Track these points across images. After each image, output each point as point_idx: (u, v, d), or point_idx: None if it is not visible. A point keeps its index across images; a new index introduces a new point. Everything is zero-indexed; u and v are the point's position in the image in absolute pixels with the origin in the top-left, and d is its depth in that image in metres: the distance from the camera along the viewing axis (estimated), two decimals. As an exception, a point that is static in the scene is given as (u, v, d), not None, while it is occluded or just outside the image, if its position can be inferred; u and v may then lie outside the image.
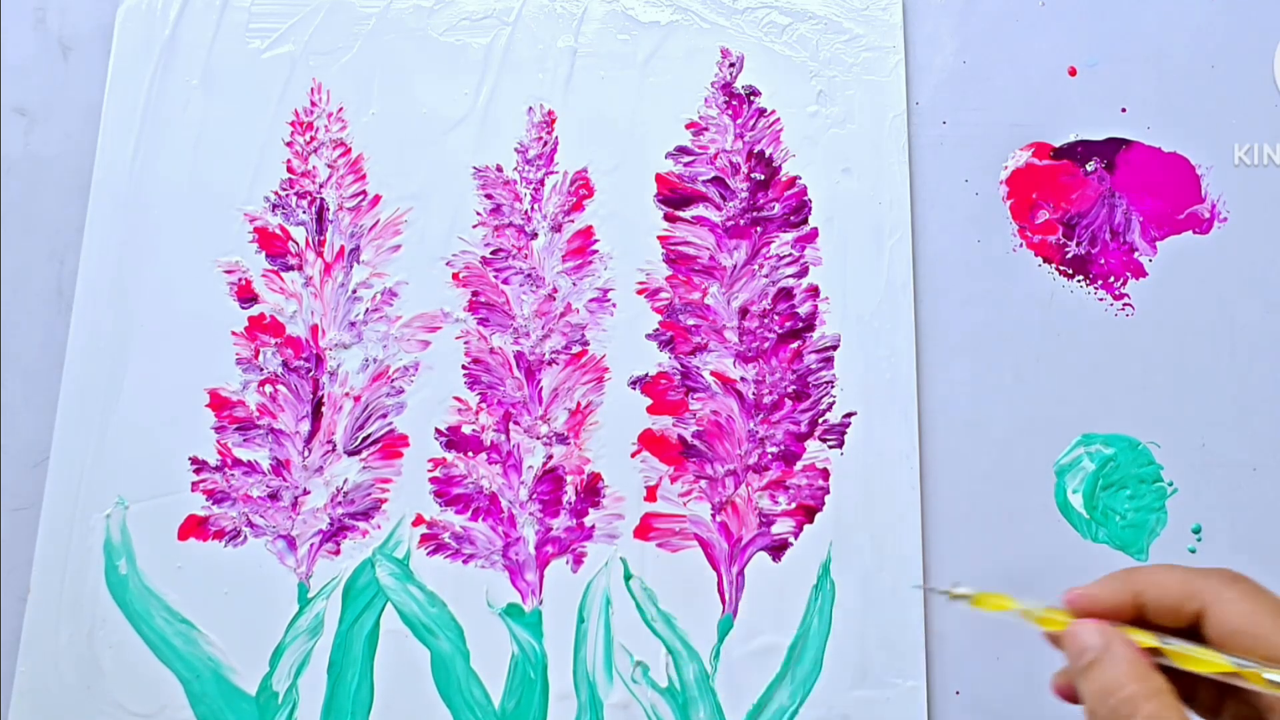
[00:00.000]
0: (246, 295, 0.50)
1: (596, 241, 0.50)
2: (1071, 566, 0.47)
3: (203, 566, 0.47)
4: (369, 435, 0.48)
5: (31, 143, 0.52)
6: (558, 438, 0.48)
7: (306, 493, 0.48)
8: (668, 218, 0.51)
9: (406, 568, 0.47)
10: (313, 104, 0.52)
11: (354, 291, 0.50)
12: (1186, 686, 0.32)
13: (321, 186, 0.51)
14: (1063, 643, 0.33)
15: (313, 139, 0.52)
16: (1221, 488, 0.48)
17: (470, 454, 0.48)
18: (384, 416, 0.49)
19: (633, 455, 0.48)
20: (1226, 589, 0.32)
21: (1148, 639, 0.32)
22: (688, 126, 0.52)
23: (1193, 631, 0.32)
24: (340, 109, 0.52)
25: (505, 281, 0.50)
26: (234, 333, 0.49)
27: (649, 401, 0.49)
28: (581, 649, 0.46)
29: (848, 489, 0.48)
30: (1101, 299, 0.50)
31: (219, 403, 0.49)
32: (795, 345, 0.49)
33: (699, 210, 0.51)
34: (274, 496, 0.48)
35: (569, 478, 0.48)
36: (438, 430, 0.48)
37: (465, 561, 0.47)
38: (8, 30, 0.54)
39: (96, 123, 0.52)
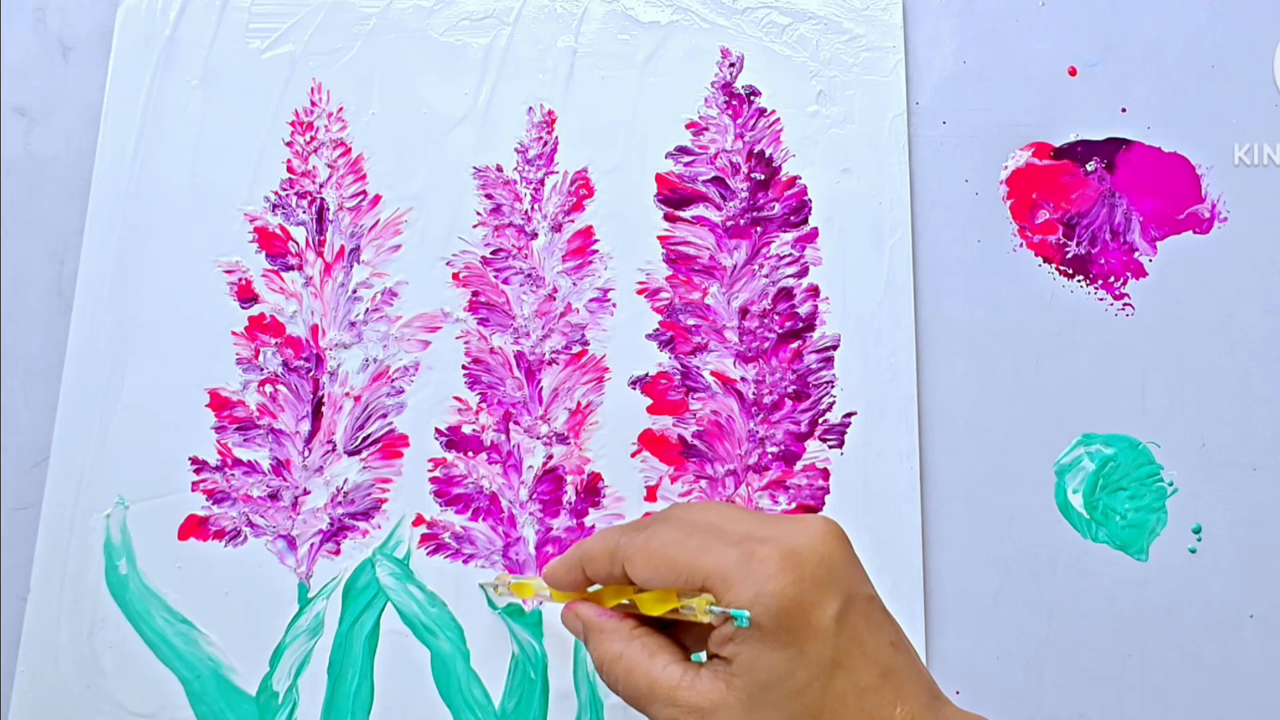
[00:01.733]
0: (246, 295, 0.50)
1: (596, 241, 0.50)
2: (1071, 566, 0.47)
3: (203, 566, 0.47)
4: (369, 435, 0.48)
5: (31, 143, 0.52)
6: (558, 438, 0.48)
7: (306, 493, 0.48)
8: (668, 218, 0.51)
9: (406, 568, 0.47)
10: (313, 104, 0.52)
11: (354, 291, 0.50)
12: (692, 638, 0.37)
13: (321, 186, 0.51)
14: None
15: (313, 139, 0.52)
16: (1221, 488, 0.48)
17: (470, 454, 0.48)
18: (384, 416, 0.49)
19: (633, 455, 0.48)
20: (634, 540, 0.36)
21: (619, 597, 0.37)
22: (688, 126, 0.52)
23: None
24: (340, 109, 0.52)
25: (505, 281, 0.50)
26: (234, 333, 0.49)
27: (649, 401, 0.49)
28: (581, 649, 0.46)
29: (848, 489, 0.48)
30: (1101, 299, 0.50)
31: (219, 403, 0.49)
32: (795, 345, 0.49)
33: (699, 210, 0.51)
34: (274, 496, 0.48)
35: (569, 478, 0.48)
36: (438, 430, 0.48)
37: (465, 561, 0.47)
38: (8, 30, 0.54)
39: (96, 123, 0.52)
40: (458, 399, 0.49)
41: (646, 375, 0.49)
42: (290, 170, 0.51)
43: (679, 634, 0.37)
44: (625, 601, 0.37)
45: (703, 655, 0.35)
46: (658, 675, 0.34)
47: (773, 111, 0.52)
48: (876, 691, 0.33)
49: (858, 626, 0.33)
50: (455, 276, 0.50)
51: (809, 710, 0.32)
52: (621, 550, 0.36)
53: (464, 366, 0.49)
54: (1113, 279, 0.50)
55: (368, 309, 0.50)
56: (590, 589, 0.39)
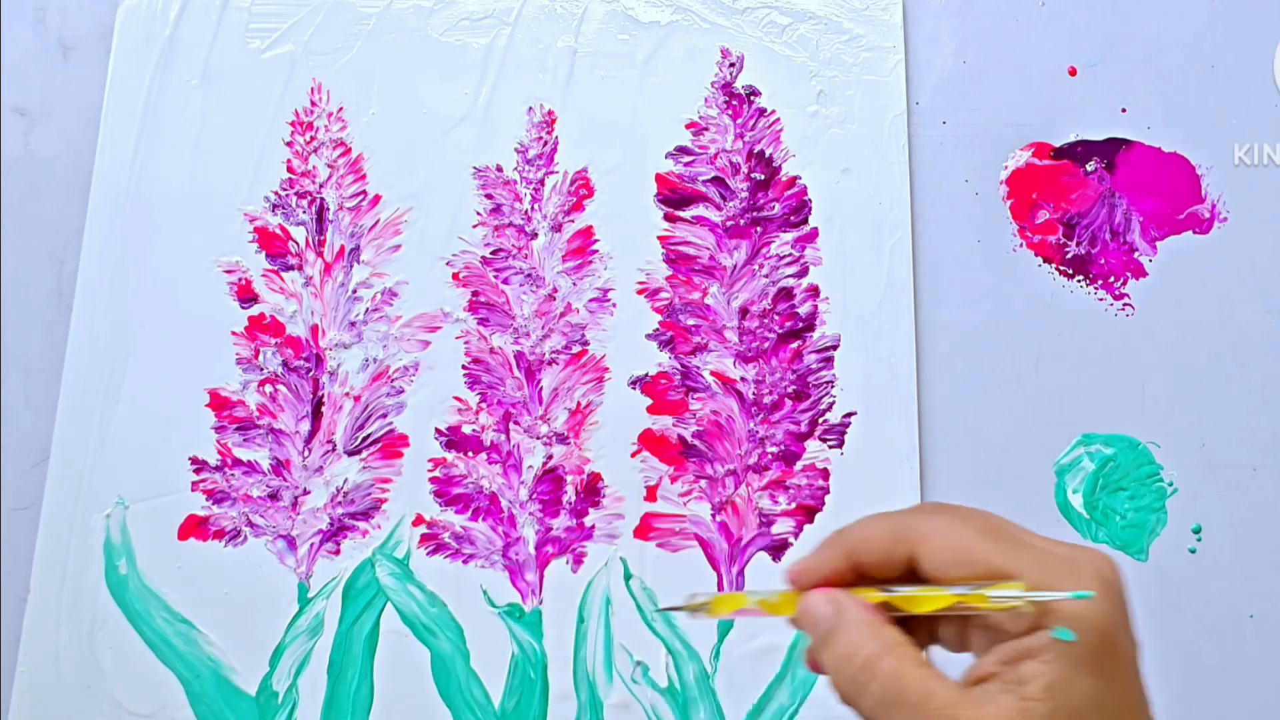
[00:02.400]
0: (246, 295, 0.50)
1: (596, 241, 0.50)
2: (1071, 566, 0.47)
3: (203, 566, 0.47)
4: (369, 435, 0.48)
5: (31, 143, 0.52)
6: (558, 438, 0.48)
7: (306, 493, 0.48)
8: (668, 218, 0.51)
9: (406, 568, 0.47)
10: (313, 104, 0.52)
11: (354, 291, 0.50)
12: (928, 629, 0.32)
13: (321, 186, 0.51)
14: (800, 623, 0.32)
15: (313, 139, 0.52)
16: (1221, 488, 0.48)
17: (470, 454, 0.48)
18: (384, 416, 0.49)
19: (633, 455, 0.48)
20: (927, 523, 0.31)
21: (875, 594, 0.31)
22: (688, 126, 0.52)
23: (913, 575, 0.31)
24: (340, 109, 0.52)
25: (505, 281, 0.50)
26: (234, 333, 0.49)
27: (649, 401, 0.49)
28: (581, 649, 0.46)
29: (848, 489, 0.48)
30: (1101, 299, 0.50)
31: (219, 403, 0.49)
32: (795, 345, 0.49)
33: (699, 210, 0.51)
34: (274, 496, 0.48)
35: (569, 478, 0.48)
36: (438, 430, 0.48)
37: (465, 561, 0.47)
38: (8, 30, 0.54)
39: (96, 123, 0.52)
40: (458, 399, 0.49)
41: (646, 375, 0.49)
42: (290, 170, 0.51)
43: (925, 636, 0.32)
44: (886, 600, 0.31)
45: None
46: (934, 686, 0.29)
47: (773, 111, 0.52)
48: None
49: (1142, 675, 0.30)
50: (455, 276, 0.50)
51: None
52: (914, 531, 0.31)
53: (464, 366, 0.49)
54: (1113, 279, 0.50)
55: (368, 309, 0.50)
56: (846, 589, 0.32)
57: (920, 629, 0.31)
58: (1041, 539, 0.31)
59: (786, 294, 0.50)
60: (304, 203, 0.51)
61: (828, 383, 0.49)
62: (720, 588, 0.47)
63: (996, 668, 0.29)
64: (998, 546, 0.30)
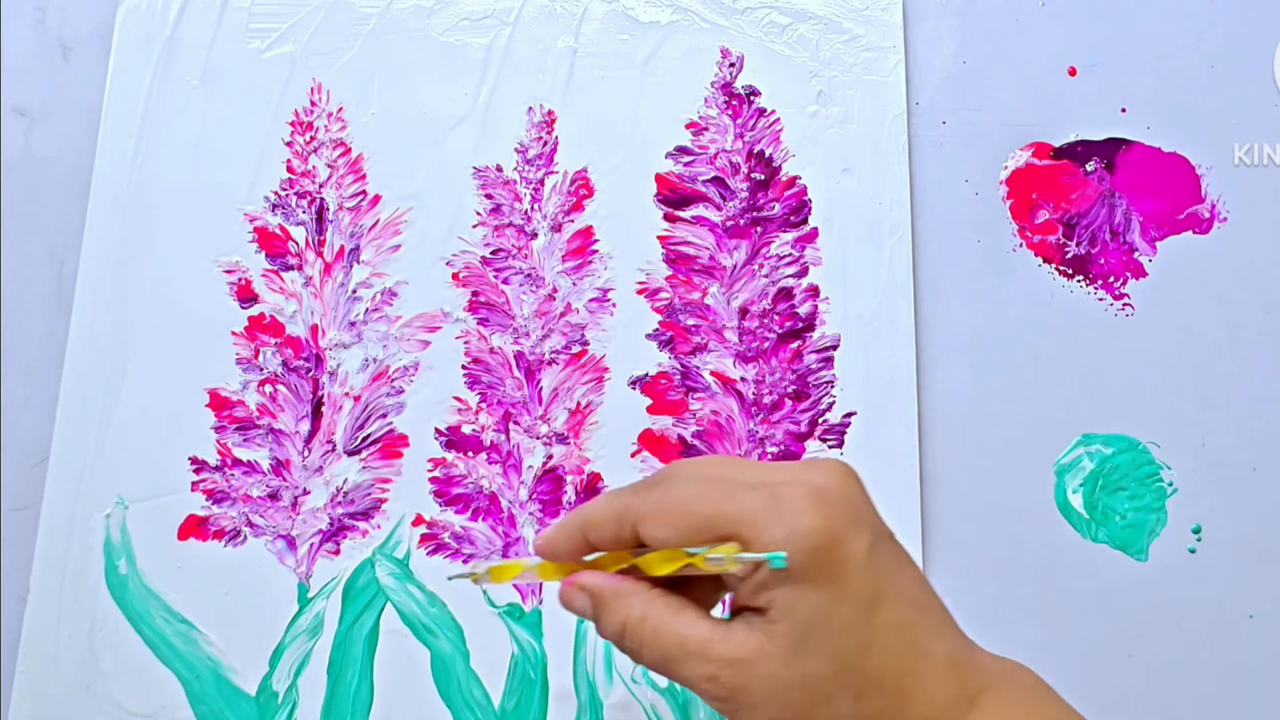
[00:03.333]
0: (246, 295, 0.50)
1: (596, 241, 0.50)
2: (1071, 566, 0.47)
3: (203, 566, 0.47)
4: (369, 435, 0.48)
5: (31, 143, 0.52)
6: (558, 438, 0.48)
7: (306, 493, 0.48)
8: (668, 218, 0.51)
9: (406, 568, 0.47)
10: (313, 104, 0.52)
11: (354, 291, 0.50)
12: (715, 579, 0.34)
13: (321, 186, 0.51)
14: (570, 610, 0.35)
15: (313, 139, 0.52)
16: (1221, 488, 0.48)
17: (470, 454, 0.48)
18: (384, 416, 0.49)
19: (633, 455, 0.48)
20: (645, 500, 0.34)
21: (619, 563, 0.35)
22: (688, 126, 0.52)
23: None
24: (340, 109, 0.52)
25: (505, 281, 0.50)
26: (234, 333, 0.49)
27: (649, 401, 0.49)
28: (581, 649, 0.46)
29: (848, 489, 0.48)
30: (1101, 299, 0.50)
31: (219, 403, 0.49)
32: (795, 345, 0.49)
33: (699, 210, 0.51)
34: (274, 496, 0.48)
35: (569, 478, 0.48)
36: (438, 430, 0.48)
37: (465, 561, 0.47)
38: (8, 30, 0.54)
39: (96, 123, 0.52)
40: (458, 399, 0.49)
41: (646, 375, 0.49)
42: (290, 170, 0.51)
43: (700, 592, 0.35)
44: (626, 567, 0.35)
45: (716, 612, 0.34)
46: (687, 631, 0.32)
47: (773, 111, 0.52)
48: (914, 625, 0.32)
49: (889, 562, 0.32)
50: (455, 276, 0.50)
51: (855, 647, 0.31)
52: (632, 510, 0.34)
53: (464, 366, 0.49)
54: (1113, 279, 0.50)
55: (368, 309, 0.50)
56: (588, 558, 0.36)
57: (708, 580, 0.34)
58: (762, 470, 0.33)
59: (786, 294, 0.50)
60: (304, 203, 0.51)
61: (828, 383, 0.49)
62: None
63: (745, 600, 0.32)
64: (711, 504, 0.32)
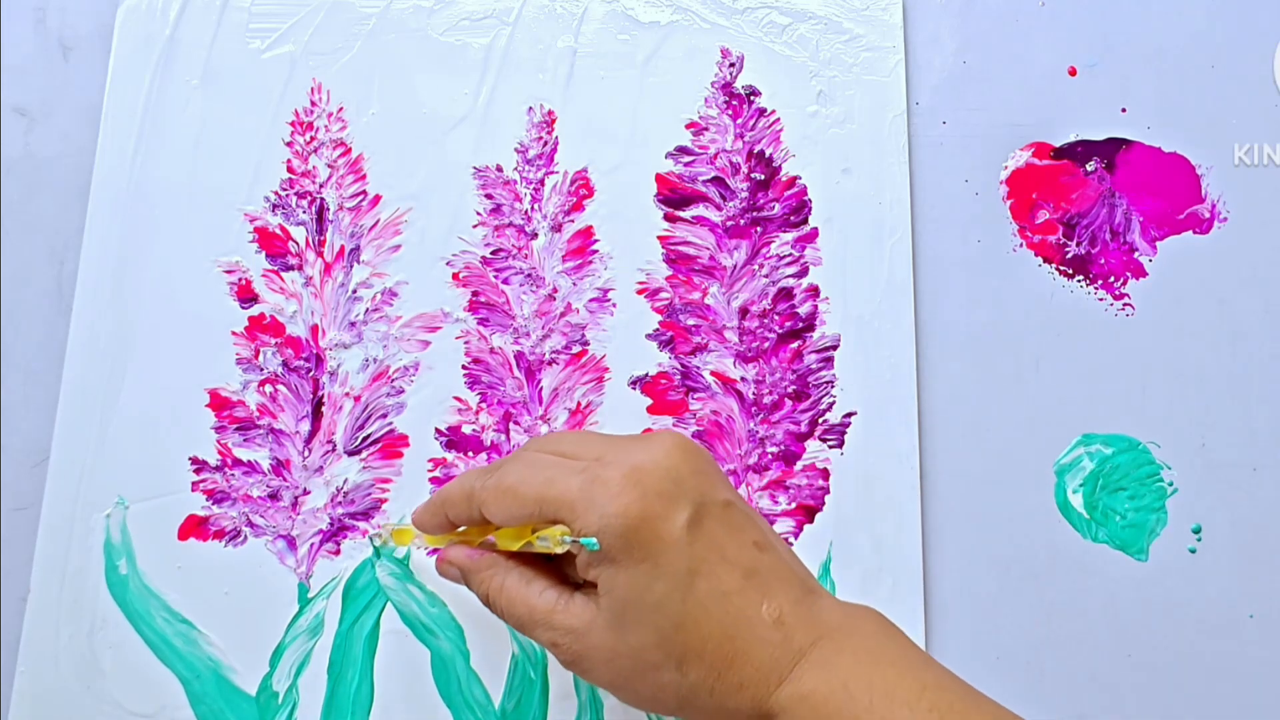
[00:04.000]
0: (246, 295, 0.50)
1: (596, 241, 0.50)
2: (1071, 566, 0.47)
3: (203, 566, 0.47)
4: (369, 435, 0.48)
5: (31, 143, 0.52)
6: (558, 438, 0.48)
7: (306, 493, 0.48)
8: (668, 218, 0.51)
9: (406, 568, 0.47)
10: (313, 104, 0.52)
11: (354, 291, 0.50)
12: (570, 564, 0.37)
13: (321, 186, 0.51)
14: (446, 578, 0.41)
15: (313, 139, 0.52)
16: (1221, 488, 0.48)
17: (470, 454, 0.48)
18: (384, 416, 0.49)
19: (633, 455, 0.48)
20: (484, 484, 0.37)
21: (480, 538, 0.39)
22: (688, 126, 0.52)
23: None
24: (340, 109, 0.52)
25: (505, 281, 0.50)
26: (234, 333, 0.49)
27: (649, 401, 0.49)
28: (581, 649, 0.46)
29: (848, 489, 0.48)
30: (1101, 299, 0.50)
31: (219, 403, 0.49)
32: (795, 345, 0.49)
33: (699, 210, 0.51)
34: (274, 496, 0.48)
35: (569, 478, 0.48)
36: (438, 430, 0.48)
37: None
38: (8, 30, 0.54)
39: (96, 123, 0.52)
40: (458, 399, 0.49)
41: (646, 375, 0.49)
42: (290, 170, 0.51)
43: (563, 565, 0.38)
44: (489, 539, 0.39)
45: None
46: (535, 601, 0.36)
47: (773, 111, 0.52)
48: (740, 593, 0.33)
49: (714, 532, 0.34)
50: (455, 276, 0.50)
51: (672, 620, 0.33)
52: (476, 493, 0.37)
53: (464, 366, 0.49)
54: (1113, 279, 0.50)
55: (368, 309, 0.50)
56: (458, 531, 0.41)
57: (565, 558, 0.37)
58: (600, 447, 0.36)
59: (786, 294, 0.50)
60: (304, 203, 0.51)
61: (828, 383, 0.49)
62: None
63: (582, 574, 0.35)
64: (536, 488, 0.35)
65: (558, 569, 0.38)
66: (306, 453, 0.48)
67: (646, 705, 0.35)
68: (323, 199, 0.51)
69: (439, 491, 0.40)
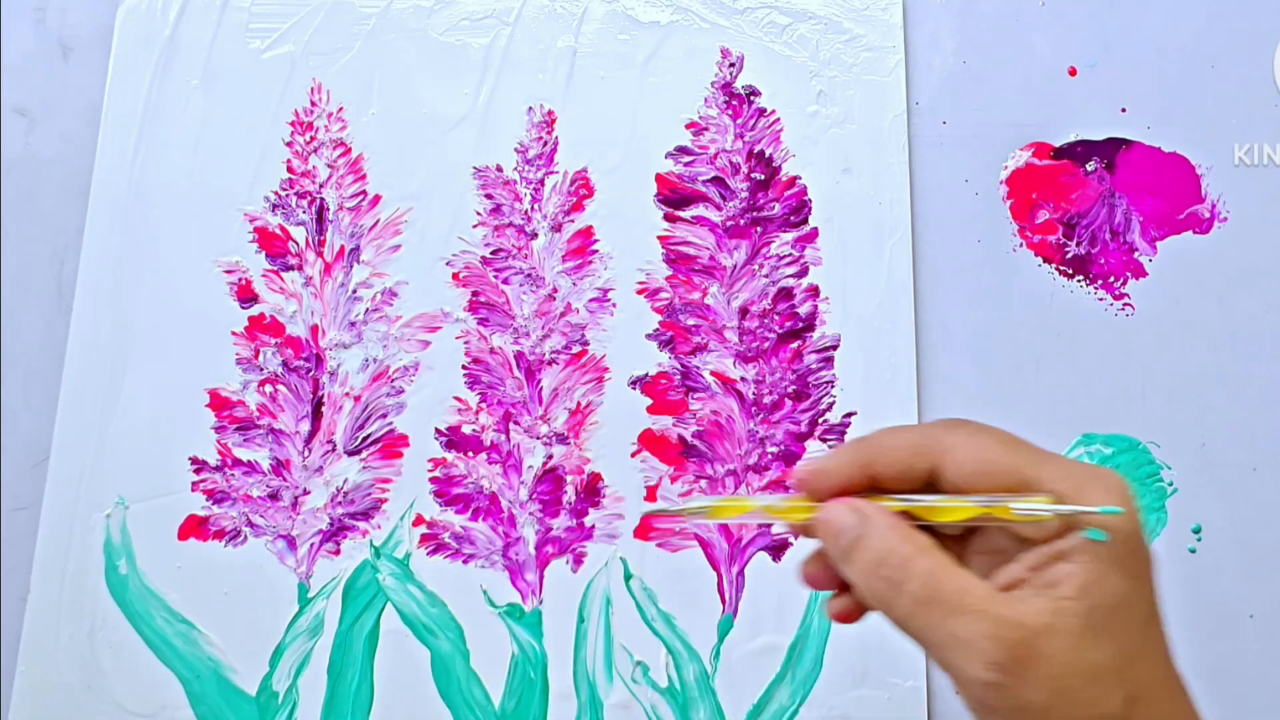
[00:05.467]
0: (246, 295, 0.50)
1: (596, 241, 0.50)
2: (1071, 566, 0.47)
3: (203, 566, 0.47)
4: (369, 435, 0.48)
5: (31, 143, 0.52)
6: (558, 438, 0.48)
7: (306, 493, 0.48)
8: (668, 218, 0.51)
9: (406, 568, 0.47)
10: (313, 104, 0.52)
11: (354, 291, 0.50)
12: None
13: (321, 186, 0.51)
14: (815, 530, 0.31)
15: (313, 139, 0.52)
16: (1221, 488, 0.48)
17: (470, 454, 0.48)
18: (384, 416, 0.49)
19: (633, 455, 0.48)
20: (950, 436, 0.31)
21: (894, 503, 0.31)
22: (688, 126, 0.52)
23: (931, 488, 0.31)
24: (340, 109, 0.52)
25: (505, 281, 0.50)
26: (234, 333, 0.49)
27: (649, 401, 0.49)
28: (581, 649, 0.46)
29: (848, 489, 0.48)
30: (1101, 299, 0.50)
31: (219, 403, 0.49)
32: (795, 345, 0.49)
33: (699, 210, 0.51)
34: (274, 496, 0.48)
35: (569, 478, 0.48)
36: (438, 430, 0.48)
37: (465, 561, 0.47)
38: (8, 30, 0.54)
39: (96, 123, 0.52)
40: (458, 399, 0.49)
41: (646, 375, 0.49)
42: (290, 170, 0.51)
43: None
44: (903, 508, 0.31)
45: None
46: (970, 585, 0.28)
47: (773, 111, 0.52)
48: (1167, 647, 0.30)
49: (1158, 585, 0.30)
50: (455, 276, 0.50)
51: (1141, 647, 0.29)
52: (937, 442, 0.31)
53: (464, 366, 0.49)
54: (1113, 279, 0.50)
55: (368, 309, 0.50)
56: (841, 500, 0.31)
57: (966, 541, 0.31)
58: (1059, 456, 0.31)
59: (786, 294, 0.50)
60: (304, 203, 0.51)
61: (828, 383, 0.49)
62: (720, 588, 0.47)
63: (1026, 573, 0.29)
64: (1021, 458, 0.30)
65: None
66: (306, 453, 0.48)
67: None
68: (323, 199, 0.51)
69: (853, 442, 0.32)
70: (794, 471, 0.33)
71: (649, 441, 0.48)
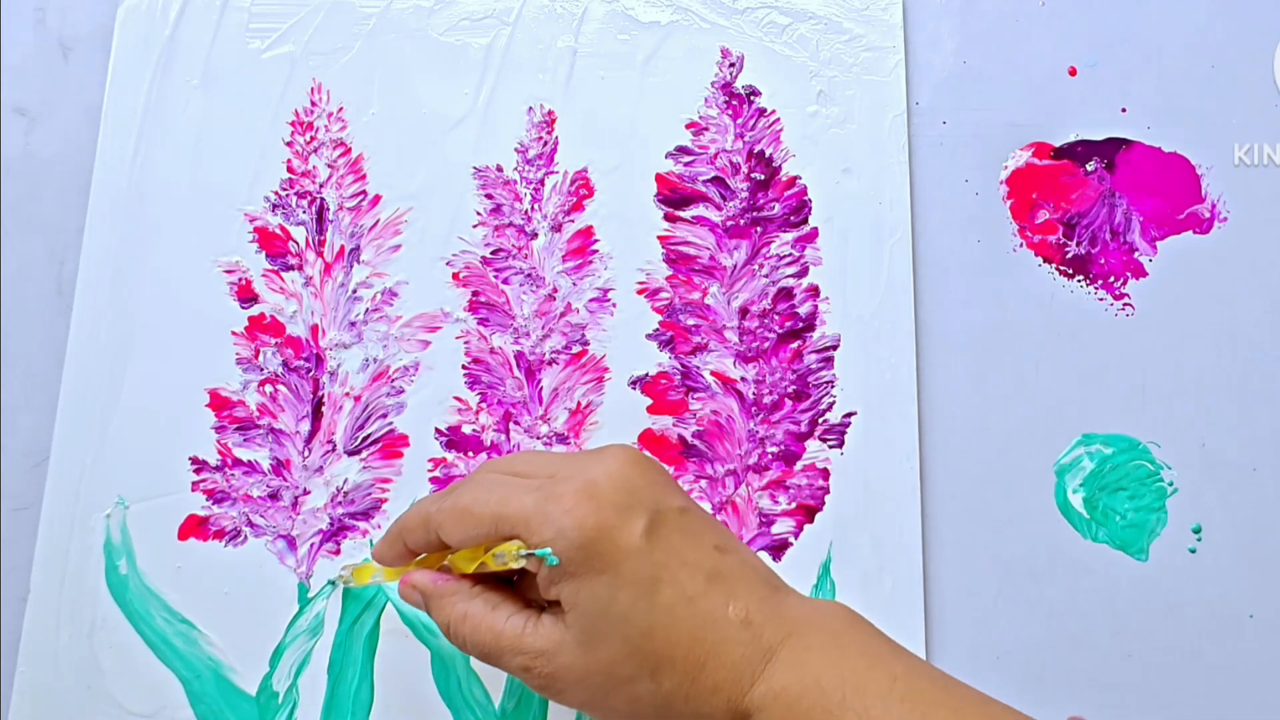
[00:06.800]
0: (246, 295, 0.50)
1: (596, 241, 0.50)
2: (1071, 566, 0.47)
3: (203, 566, 0.47)
4: (369, 435, 0.48)
5: (31, 143, 0.52)
6: (558, 438, 0.48)
7: (306, 493, 0.48)
8: (668, 218, 0.51)
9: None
10: (313, 104, 0.52)
11: (354, 291, 0.50)
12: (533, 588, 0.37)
13: (321, 186, 0.51)
14: (409, 602, 0.39)
15: (313, 139, 0.52)
16: (1221, 488, 0.48)
17: (470, 454, 0.48)
18: (384, 416, 0.49)
19: (633, 455, 0.48)
20: (439, 506, 0.37)
21: (438, 564, 0.39)
22: (688, 126, 0.52)
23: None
24: (340, 109, 0.52)
25: (505, 281, 0.50)
26: (234, 333, 0.49)
27: (649, 401, 0.49)
28: (581, 649, 0.46)
29: (848, 489, 0.48)
30: (1101, 299, 0.50)
31: (219, 403, 0.49)
32: (795, 345, 0.49)
33: (699, 210, 0.51)
34: (274, 496, 0.48)
35: (569, 478, 0.48)
36: (438, 430, 0.48)
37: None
38: (8, 30, 0.54)
39: (96, 123, 0.52)
40: (458, 399, 0.49)
41: (646, 375, 0.49)
42: (290, 170, 0.51)
43: (524, 590, 0.38)
44: (445, 564, 0.39)
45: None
46: (502, 627, 0.35)
47: (773, 111, 0.52)
48: (705, 596, 0.34)
49: (672, 539, 0.34)
50: (455, 276, 0.50)
51: (640, 629, 0.33)
52: (432, 517, 0.37)
53: (464, 366, 0.49)
54: (1113, 279, 0.50)
55: (368, 309, 0.50)
56: (415, 560, 0.40)
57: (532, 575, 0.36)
58: (554, 465, 0.36)
59: (786, 294, 0.50)
60: (304, 203, 0.51)
61: (828, 383, 0.49)
62: None
63: (545, 594, 0.35)
64: (492, 507, 0.35)
65: (521, 594, 0.37)
66: (306, 453, 0.48)
67: None
68: (323, 199, 0.51)
69: (395, 521, 0.40)
70: (373, 551, 0.42)
71: (649, 441, 0.48)
